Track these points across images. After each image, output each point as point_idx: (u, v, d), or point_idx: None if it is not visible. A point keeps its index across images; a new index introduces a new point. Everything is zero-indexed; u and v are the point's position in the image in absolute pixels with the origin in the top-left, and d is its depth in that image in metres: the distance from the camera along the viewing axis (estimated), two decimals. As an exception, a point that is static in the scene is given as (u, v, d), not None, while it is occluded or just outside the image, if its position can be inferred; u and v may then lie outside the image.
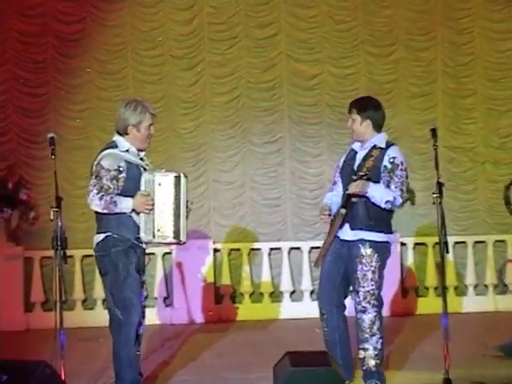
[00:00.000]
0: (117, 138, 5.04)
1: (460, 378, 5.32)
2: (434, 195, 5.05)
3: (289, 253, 9.82)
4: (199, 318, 9.21)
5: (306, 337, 7.81)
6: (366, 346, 5.16)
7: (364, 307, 5.14)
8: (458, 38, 10.36)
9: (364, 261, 5.14)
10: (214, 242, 9.60)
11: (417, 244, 9.88)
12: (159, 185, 4.87)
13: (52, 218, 4.74)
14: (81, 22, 10.07)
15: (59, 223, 4.72)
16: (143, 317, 5.07)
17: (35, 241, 9.63)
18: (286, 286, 9.71)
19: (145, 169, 5.03)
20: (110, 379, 5.44)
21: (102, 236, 4.95)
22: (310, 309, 9.17)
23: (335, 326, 5.24)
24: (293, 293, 9.79)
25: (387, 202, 5.11)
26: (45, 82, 10.00)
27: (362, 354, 5.19)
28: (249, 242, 9.93)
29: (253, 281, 9.76)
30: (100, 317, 8.77)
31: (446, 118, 10.36)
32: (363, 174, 5.07)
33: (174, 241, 4.95)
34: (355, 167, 5.24)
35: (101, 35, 10.11)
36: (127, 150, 4.98)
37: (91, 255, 8.86)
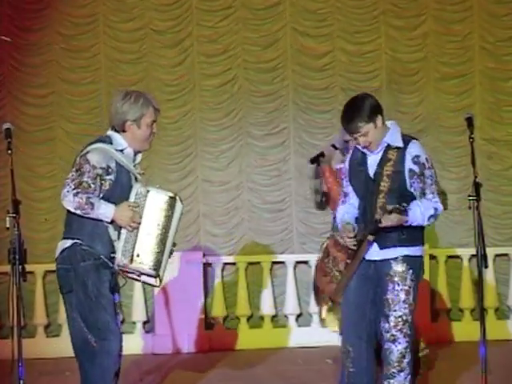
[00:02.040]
0: (112, 133, 5.02)
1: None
2: (470, 198, 5.06)
3: (294, 268, 9.83)
4: (186, 346, 9.22)
5: (316, 370, 7.83)
6: (392, 382, 5.14)
7: (394, 336, 5.10)
8: (499, 7, 10.37)
9: (396, 279, 5.11)
10: (204, 255, 9.61)
11: (449, 257, 9.89)
12: (151, 202, 4.83)
13: (8, 225, 4.72)
14: (42, -12, 10.12)
15: (17, 232, 4.70)
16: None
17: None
18: (291, 308, 9.73)
19: (136, 178, 4.99)
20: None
21: (68, 243, 4.90)
22: (320, 335, 9.22)
23: (364, 367, 5.18)
24: (299, 316, 9.80)
25: (430, 217, 5.11)
26: (-1, 61, 10.05)
27: None
28: (246, 254, 9.94)
29: (251, 302, 9.78)
30: (66, 346, 8.72)
31: (485, 104, 10.38)
32: (403, 208, 4.98)
33: (151, 273, 4.87)
34: (371, 175, 5.18)
35: (66, 5, 10.13)
36: (122, 150, 4.96)
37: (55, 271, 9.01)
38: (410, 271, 5.12)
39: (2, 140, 4.98)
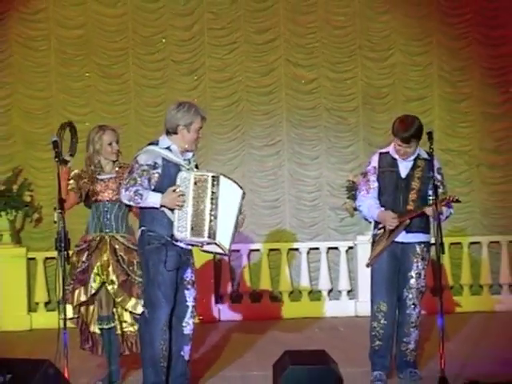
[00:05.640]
0: (162, 136, 5.00)
1: (455, 377, 5.33)
2: (430, 197, 5.10)
3: (287, 254, 9.82)
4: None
5: (305, 336, 7.83)
6: (409, 339, 5.50)
7: (414, 304, 5.48)
8: (454, 43, 10.37)
9: (420, 259, 5.46)
10: (214, 243, 9.57)
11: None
12: (195, 184, 4.74)
13: (55, 219, 4.74)
14: (83, 27, 10.12)
15: (62, 225, 4.72)
16: (192, 316, 5.02)
17: (39, 242, 9.67)
18: (285, 286, 9.72)
19: (187, 168, 4.91)
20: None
21: (139, 231, 4.98)
22: (308, 308, 9.22)
23: (393, 319, 5.49)
24: (291, 293, 9.79)
25: (446, 218, 5.47)
26: (48, 85, 10.04)
27: (404, 346, 5.51)
28: (248, 243, 9.93)
29: (252, 281, 9.77)
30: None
31: (442, 121, 10.38)
32: (453, 199, 5.29)
33: (207, 240, 4.78)
34: (402, 175, 5.43)
35: (102, 40, 10.14)
36: (168, 148, 4.92)
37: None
38: (428, 254, 5.53)
39: (51, 150, 5.01)
